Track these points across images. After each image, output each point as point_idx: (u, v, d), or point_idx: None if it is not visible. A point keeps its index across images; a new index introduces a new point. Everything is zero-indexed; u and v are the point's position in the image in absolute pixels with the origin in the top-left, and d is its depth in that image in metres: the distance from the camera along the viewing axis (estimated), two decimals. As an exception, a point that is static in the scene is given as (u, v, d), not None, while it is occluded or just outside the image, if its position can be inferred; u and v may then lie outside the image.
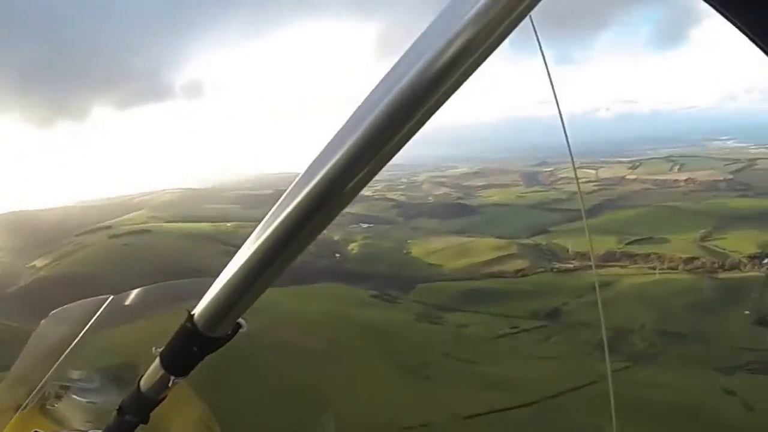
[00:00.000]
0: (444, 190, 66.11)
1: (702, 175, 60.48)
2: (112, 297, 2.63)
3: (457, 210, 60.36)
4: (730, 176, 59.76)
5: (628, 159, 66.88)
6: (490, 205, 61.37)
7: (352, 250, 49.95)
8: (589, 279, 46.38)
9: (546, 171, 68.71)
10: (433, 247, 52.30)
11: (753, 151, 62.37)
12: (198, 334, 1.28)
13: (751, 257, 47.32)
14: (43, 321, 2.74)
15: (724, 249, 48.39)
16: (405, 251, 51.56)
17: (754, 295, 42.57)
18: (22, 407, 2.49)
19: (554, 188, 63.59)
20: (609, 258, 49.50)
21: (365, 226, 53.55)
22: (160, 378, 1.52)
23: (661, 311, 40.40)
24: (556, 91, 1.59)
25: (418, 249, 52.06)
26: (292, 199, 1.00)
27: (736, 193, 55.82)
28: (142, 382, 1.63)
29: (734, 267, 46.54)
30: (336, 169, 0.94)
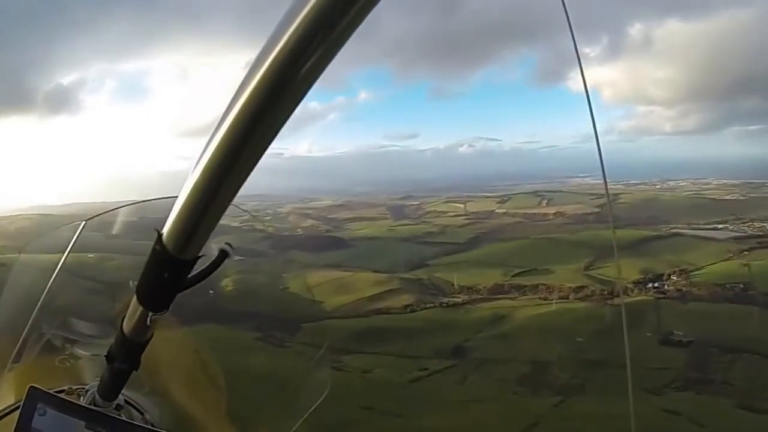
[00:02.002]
0: (311, 222, 61.37)
1: (570, 209, 61.24)
2: (84, 222, 2.64)
3: (329, 243, 55.97)
4: (597, 210, 60.74)
5: (495, 194, 66.31)
6: (362, 238, 57.97)
7: (227, 286, 43.22)
8: (482, 313, 44.71)
9: (412, 204, 66.58)
10: (312, 282, 47.23)
11: (610, 187, 63.86)
12: (168, 257, 1.22)
13: (636, 283, 47.63)
14: (15, 263, 2.71)
15: (609, 277, 47.83)
16: (282, 287, 45.65)
17: (650, 318, 42.74)
18: (11, 360, 2.45)
19: (424, 221, 61.29)
20: (497, 290, 48.00)
21: (236, 258, 46.68)
22: (140, 316, 1.48)
23: (571, 341, 39.09)
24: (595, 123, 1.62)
25: (295, 284, 46.24)
26: (240, 98, 0.94)
27: (606, 225, 56.61)
28: (124, 324, 1.62)
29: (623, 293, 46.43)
30: (287, 53, 0.87)
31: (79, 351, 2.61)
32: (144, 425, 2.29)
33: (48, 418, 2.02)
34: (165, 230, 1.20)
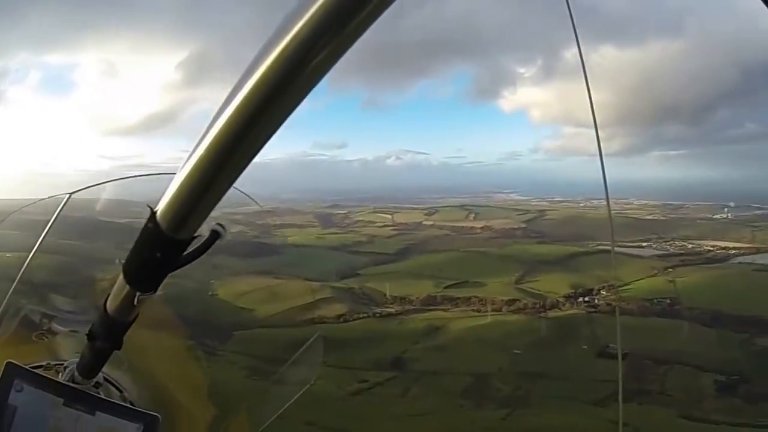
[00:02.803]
0: (239, 227, 58.55)
1: (498, 224, 62.00)
2: (69, 195, 2.60)
3: (258, 249, 53.66)
4: (524, 225, 61.93)
5: (422, 206, 66.30)
6: (291, 245, 55.88)
7: (154, 289, 41.21)
8: (417, 324, 44.50)
9: (340, 213, 65.53)
10: (241, 289, 45.79)
11: (534, 203, 65.45)
12: (161, 236, 1.19)
13: (567, 297, 48.54)
14: None
15: (540, 290, 49.19)
16: (211, 293, 43.58)
17: (584, 331, 43.47)
18: None
19: (352, 231, 60.47)
20: (430, 302, 47.90)
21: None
22: (126, 296, 1.43)
23: (509, 353, 39.27)
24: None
25: (225, 291, 44.93)
26: (249, 79, 0.91)
27: (534, 240, 57.77)
28: (108, 303, 1.56)
29: (554, 306, 47.46)
30: (303, 39, 0.84)
31: (58, 327, 2.57)
32: (122, 403, 2.26)
33: (25, 394, 1.97)
34: (159, 208, 1.14)
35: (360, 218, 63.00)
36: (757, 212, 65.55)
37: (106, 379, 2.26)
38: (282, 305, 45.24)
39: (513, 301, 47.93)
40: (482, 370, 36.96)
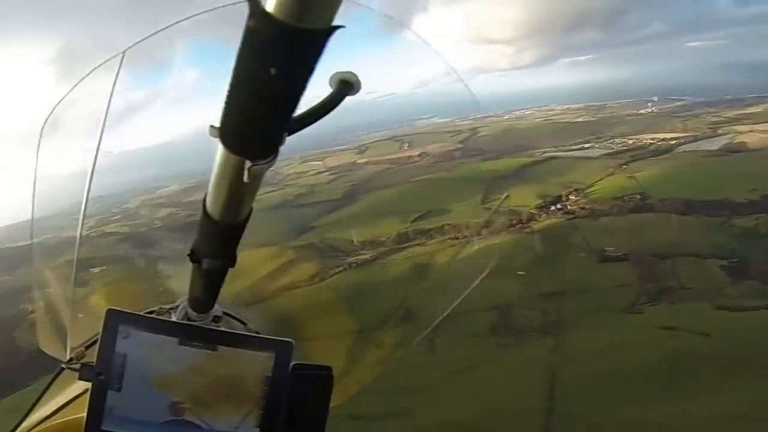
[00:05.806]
0: (167, 210, 53.01)
1: (434, 148, 60.17)
2: (123, 51, 2.09)
3: (194, 228, 48.52)
4: (461, 145, 60.48)
5: (349, 146, 63.45)
6: (228, 214, 51.15)
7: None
8: (401, 266, 41.19)
9: (268, 171, 59.97)
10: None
11: (458, 123, 64.21)
12: (276, 25, 0.75)
13: (539, 207, 48.01)
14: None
15: (510, 206, 47.05)
16: (162, 288, 38.46)
17: (573, 238, 43.61)
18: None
19: (288, 185, 55.93)
20: (404, 239, 45.74)
21: (97, 270, 38.71)
22: (233, 168, 1.00)
23: (513, 275, 36.79)
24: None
25: (176, 281, 39.54)
26: None
27: (477, 158, 56.49)
28: (208, 203, 1.22)
29: (531, 219, 47.00)
30: None
31: (166, 268, 2.54)
32: (248, 333, 1.99)
33: (132, 339, 1.78)
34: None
35: (290, 171, 58.76)
36: (678, 104, 69.47)
37: (225, 313, 1.90)
38: (246, 279, 40.93)
39: (488, 222, 46.20)
40: (505, 301, 35.24)
